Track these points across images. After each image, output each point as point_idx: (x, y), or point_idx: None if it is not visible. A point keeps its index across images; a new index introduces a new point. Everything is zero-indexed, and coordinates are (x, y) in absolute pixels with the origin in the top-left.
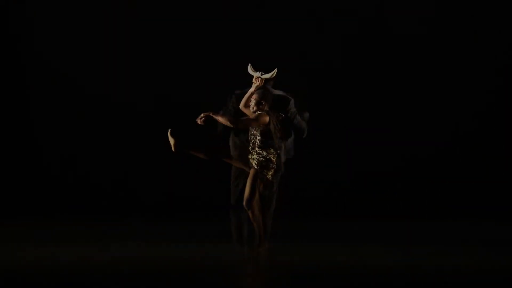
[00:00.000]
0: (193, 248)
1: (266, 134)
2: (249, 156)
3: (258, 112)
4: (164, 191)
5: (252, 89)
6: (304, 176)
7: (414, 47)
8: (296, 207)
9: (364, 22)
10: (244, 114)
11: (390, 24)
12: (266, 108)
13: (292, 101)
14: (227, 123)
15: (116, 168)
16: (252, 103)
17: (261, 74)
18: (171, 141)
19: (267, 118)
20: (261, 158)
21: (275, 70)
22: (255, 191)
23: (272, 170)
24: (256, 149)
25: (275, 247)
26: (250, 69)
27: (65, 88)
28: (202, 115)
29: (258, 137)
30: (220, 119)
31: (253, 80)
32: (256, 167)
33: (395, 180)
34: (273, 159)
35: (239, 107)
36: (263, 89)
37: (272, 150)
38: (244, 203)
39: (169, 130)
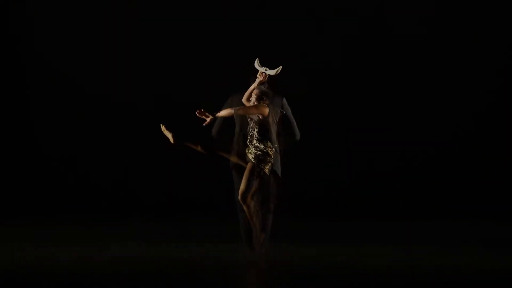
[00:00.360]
0: (193, 248)
1: (264, 127)
2: (246, 150)
3: (260, 103)
4: (164, 191)
5: (255, 84)
6: (304, 176)
7: (414, 47)
8: (296, 207)
9: (364, 22)
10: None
11: (390, 24)
12: (267, 103)
13: (284, 99)
14: (228, 113)
15: (116, 168)
16: (253, 98)
17: (266, 70)
18: (168, 134)
19: (266, 110)
20: (258, 152)
21: (280, 67)
22: (250, 185)
23: (269, 164)
24: (254, 142)
25: (275, 247)
26: (256, 64)
27: (65, 88)
28: (204, 115)
29: (256, 129)
30: (221, 113)
31: (258, 75)
32: (253, 161)
33: (395, 180)
34: (270, 152)
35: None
36: (264, 86)
37: (269, 144)
38: (239, 197)
39: (163, 126)
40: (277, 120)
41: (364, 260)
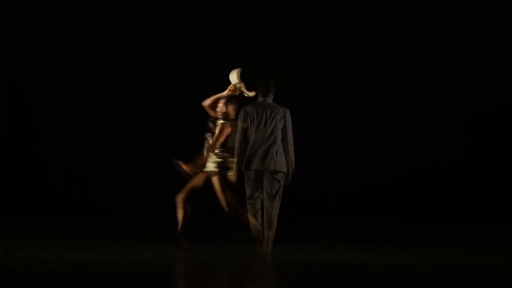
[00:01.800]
0: (193, 248)
1: (227, 138)
2: (207, 159)
3: (223, 122)
4: (164, 193)
5: (224, 93)
6: (304, 178)
7: (413, 49)
8: (296, 210)
9: (364, 21)
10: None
11: (389, 24)
12: (233, 114)
13: (288, 111)
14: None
15: (117, 171)
16: (223, 108)
17: (242, 87)
18: (186, 167)
19: (229, 130)
20: (220, 159)
21: (254, 93)
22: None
23: (232, 171)
24: (216, 151)
25: (277, 248)
26: (236, 76)
27: (67, 102)
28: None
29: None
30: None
31: (231, 87)
32: (215, 170)
33: (396, 183)
34: (229, 160)
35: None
36: (235, 98)
37: (228, 154)
38: (226, 210)
39: (179, 163)
40: (281, 126)
41: (365, 260)
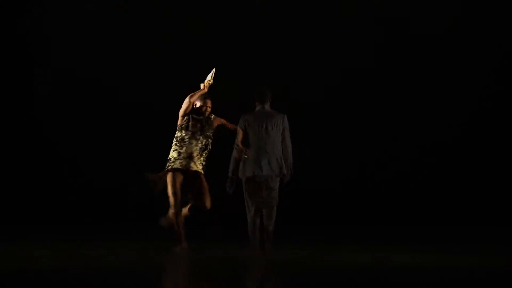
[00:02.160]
0: (193, 249)
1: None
2: (194, 160)
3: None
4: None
5: (201, 92)
6: (304, 179)
7: (410, 50)
8: (295, 212)
9: (362, 20)
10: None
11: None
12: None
13: (286, 117)
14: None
15: (118, 172)
16: (208, 104)
17: (207, 84)
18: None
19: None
20: (204, 162)
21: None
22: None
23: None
24: (206, 151)
25: (276, 249)
26: (211, 76)
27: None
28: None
29: (211, 142)
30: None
31: (206, 84)
32: (202, 171)
33: (395, 184)
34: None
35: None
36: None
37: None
38: (206, 207)
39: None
40: (280, 132)
41: (364, 262)
